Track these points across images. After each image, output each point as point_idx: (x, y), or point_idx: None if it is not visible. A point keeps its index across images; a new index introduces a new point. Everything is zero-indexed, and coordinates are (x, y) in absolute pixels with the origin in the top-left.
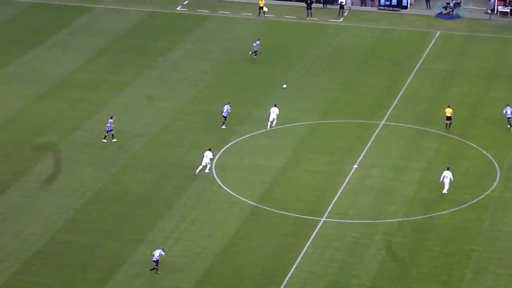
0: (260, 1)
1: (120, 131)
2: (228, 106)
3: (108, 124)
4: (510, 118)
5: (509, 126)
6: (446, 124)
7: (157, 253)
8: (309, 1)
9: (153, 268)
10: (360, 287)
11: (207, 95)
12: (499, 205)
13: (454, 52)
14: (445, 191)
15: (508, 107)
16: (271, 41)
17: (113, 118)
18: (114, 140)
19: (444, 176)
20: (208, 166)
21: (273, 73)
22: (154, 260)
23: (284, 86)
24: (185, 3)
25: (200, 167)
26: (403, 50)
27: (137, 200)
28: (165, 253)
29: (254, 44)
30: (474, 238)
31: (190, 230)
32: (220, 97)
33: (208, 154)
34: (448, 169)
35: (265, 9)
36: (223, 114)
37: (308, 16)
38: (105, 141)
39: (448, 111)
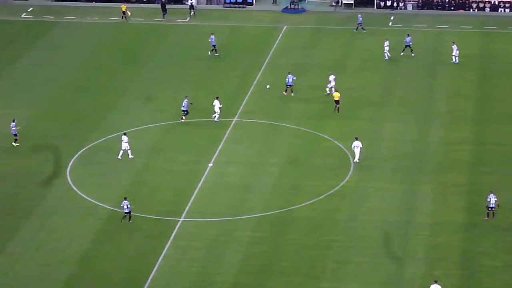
0: (122, 6)
1: None
2: (186, 99)
3: (13, 128)
4: (291, 85)
5: (284, 92)
6: (335, 107)
7: (124, 205)
8: (163, 2)
9: (125, 217)
10: (224, 284)
11: (59, 101)
12: (356, 195)
13: (302, 46)
14: (356, 159)
15: (290, 75)
16: (121, 43)
17: (15, 121)
18: (16, 144)
19: (354, 146)
20: (129, 150)
21: (124, 76)
22: (126, 212)
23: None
24: (29, 10)
25: (121, 152)
26: (252, 47)
27: None
28: (129, 202)
29: (210, 40)
30: (333, 228)
31: (50, 238)
32: (72, 103)
33: (124, 138)
34: (356, 139)
35: (128, 13)
36: (182, 108)
37: (163, 17)
38: (16, 144)
39: (336, 95)
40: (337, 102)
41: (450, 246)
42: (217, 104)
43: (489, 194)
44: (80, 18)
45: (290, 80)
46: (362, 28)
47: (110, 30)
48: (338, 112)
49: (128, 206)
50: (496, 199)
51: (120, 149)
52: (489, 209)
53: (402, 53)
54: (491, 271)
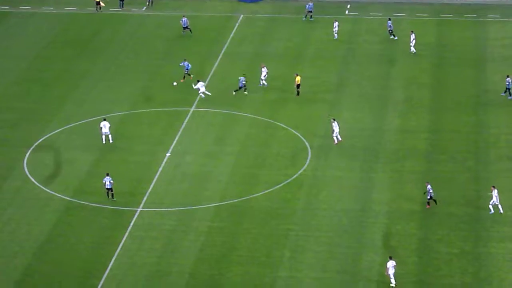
0: None
1: None
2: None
3: None
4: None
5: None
6: (297, 91)
7: (107, 181)
8: None
9: (111, 194)
10: (181, 274)
11: (12, 92)
12: (313, 184)
13: (259, 35)
14: (336, 141)
15: (242, 78)
16: (75, 33)
17: None
18: None
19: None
20: (110, 136)
21: (79, 66)
22: (107, 188)
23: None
24: None
25: (103, 136)
26: (208, 36)
27: None
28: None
29: (181, 21)
30: (290, 217)
31: (6, 229)
32: (26, 94)
33: (106, 124)
34: (334, 120)
35: (102, 4)
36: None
37: (120, 7)
38: None
39: (298, 79)
40: (298, 86)
41: (407, 234)
42: (200, 86)
43: (427, 185)
44: (35, 8)
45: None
46: (311, 16)
47: (65, 20)
48: (298, 95)
49: (111, 181)
50: (430, 188)
51: (101, 134)
52: (429, 198)
53: (392, 37)
54: (448, 258)
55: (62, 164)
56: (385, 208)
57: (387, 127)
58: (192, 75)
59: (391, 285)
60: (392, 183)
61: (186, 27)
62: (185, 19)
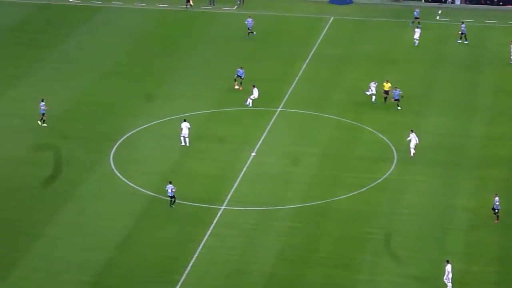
0: None
1: (14, 125)
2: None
3: (42, 108)
4: (397, 99)
5: (380, 100)
6: (385, 98)
7: (169, 189)
8: None
9: (172, 202)
10: (262, 274)
11: (100, 86)
12: (396, 188)
13: (348, 37)
14: (412, 153)
15: (397, 90)
16: (165, 30)
17: (44, 100)
18: (44, 125)
19: (410, 139)
20: (187, 139)
21: (166, 63)
22: (170, 196)
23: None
24: None
25: (181, 137)
26: (298, 37)
27: (33, 194)
28: (173, 185)
29: (247, 22)
30: (372, 221)
31: (90, 222)
32: (113, 88)
33: (186, 125)
34: (412, 131)
35: (191, 2)
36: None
37: (211, 5)
38: (44, 125)
39: (386, 86)
40: (386, 92)
41: (489, 242)
42: (255, 92)
43: (495, 197)
44: (127, 4)
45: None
46: (419, 23)
47: (155, 17)
48: (386, 102)
49: (173, 190)
50: (497, 200)
51: (181, 134)
52: (493, 211)
53: (459, 41)
54: None
55: (147, 159)
56: (467, 215)
57: (473, 134)
58: (241, 84)
59: None
60: (476, 191)
61: (250, 29)
62: (250, 19)
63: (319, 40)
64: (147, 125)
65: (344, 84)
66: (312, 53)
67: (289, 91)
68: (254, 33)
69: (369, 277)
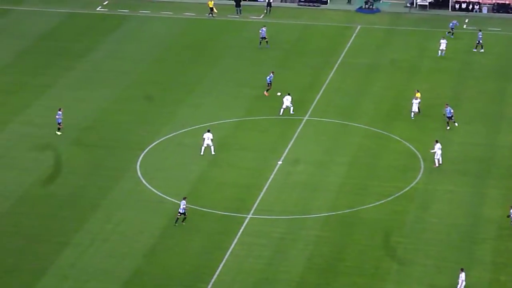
0: (209, 2)
1: (43, 134)
2: (271, 74)
3: (57, 117)
4: (450, 116)
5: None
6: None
7: (181, 205)
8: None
9: (182, 219)
10: (289, 283)
11: (129, 95)
12: (424, 197)
13: (375, 46)
14: (436, 164)
15: (448, 107)
16: (193, 38)
17: (62, 110)
18: (59, 133)
19: (435, 149)
20: (212, 148)
21: (195, 71)
22: (180, 212)
23: (279, 93)
24: (105, 3)
25: (203, 147)
26: (325, 45)
27: (62, 203)
28: (186, 202)
29: (261, 31)
30: (400, 230)
31: (117, 230)
32: (142, 96)
33: (208, 136)
34: (437, 142)
35: (215, 10)
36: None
37: (237, 13)
38: (59, 133)
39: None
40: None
41: None
42: (288, 99)
43: (511, 209)
44: (154, 12)
45: None
46: (452, 33)
47: (183, 25)
48: (420, 113)
49: (184, 207)
50: None
51: (203, 145)
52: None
53: (474, 49)
54: None
55: (174, 168)
56: (495, 225)
57: (501, 143)
58: (268, 90)
59: None
60: (504, 200)
61: (264, 38)
62: (264, 29)
63: (346, 49)
64: (174, 133)
65: (371, 92)
66: (339, 61)
67: (316, 99)
68: (268, 46)
69: (395, 286)
